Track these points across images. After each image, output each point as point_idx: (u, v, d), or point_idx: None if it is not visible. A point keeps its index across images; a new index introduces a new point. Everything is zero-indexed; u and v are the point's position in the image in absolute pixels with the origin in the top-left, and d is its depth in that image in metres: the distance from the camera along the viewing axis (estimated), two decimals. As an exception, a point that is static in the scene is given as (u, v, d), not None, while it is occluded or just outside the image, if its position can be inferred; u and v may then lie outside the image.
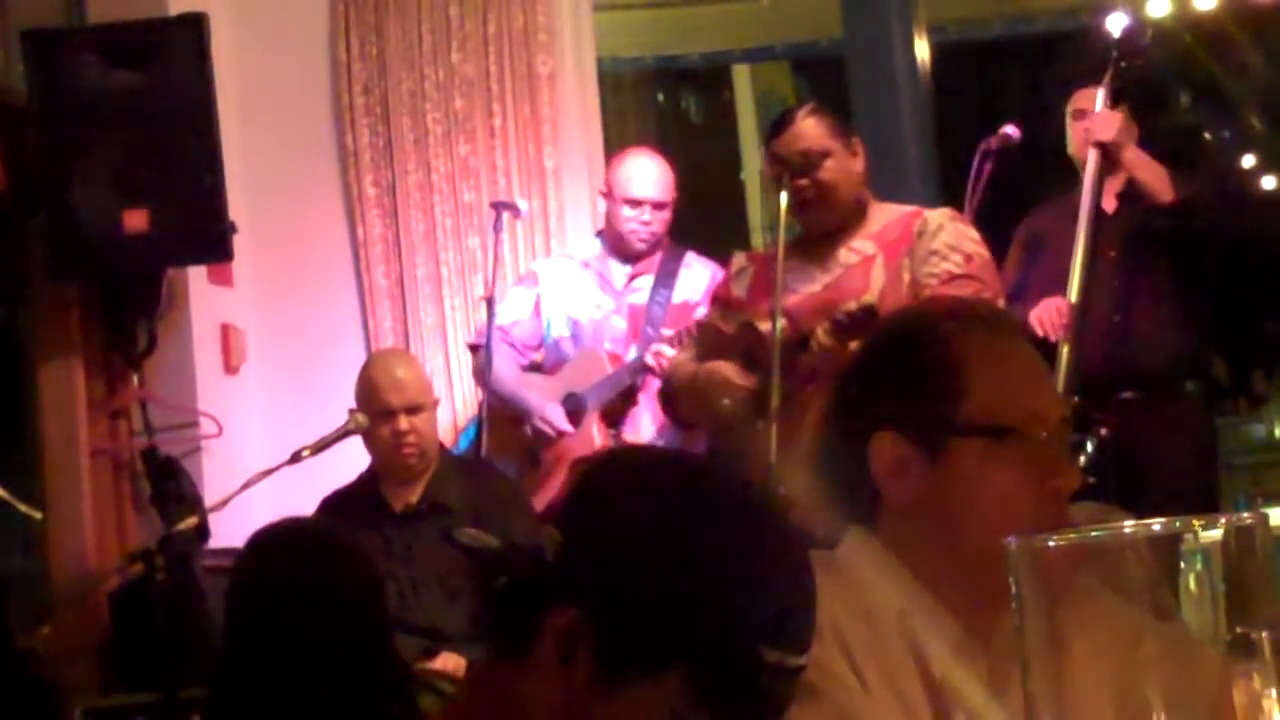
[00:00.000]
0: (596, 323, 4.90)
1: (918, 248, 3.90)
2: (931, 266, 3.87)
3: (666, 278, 4.90)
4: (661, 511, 1.38)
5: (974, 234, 3.98)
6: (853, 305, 3.70)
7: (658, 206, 4.86)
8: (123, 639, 4.68)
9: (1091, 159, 4.67)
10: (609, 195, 4.92)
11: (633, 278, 4.93)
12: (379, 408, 4.37)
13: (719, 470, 1.49)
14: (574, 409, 4.80)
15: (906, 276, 3.88)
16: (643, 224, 4.86)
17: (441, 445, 4.64)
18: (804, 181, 3.94)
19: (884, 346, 1.77)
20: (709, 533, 1.37)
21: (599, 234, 5.04)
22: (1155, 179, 4.65)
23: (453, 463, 4.52)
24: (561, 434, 4.78)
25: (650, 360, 4.61)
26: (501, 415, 4.85)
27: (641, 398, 4.81)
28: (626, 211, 4.85)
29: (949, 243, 3.89)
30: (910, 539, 1.66)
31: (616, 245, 4.94)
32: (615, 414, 4.81)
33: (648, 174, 4.89)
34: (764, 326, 3.83)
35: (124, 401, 5.05)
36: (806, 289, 3.97)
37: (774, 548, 1.40)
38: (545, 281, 5.01)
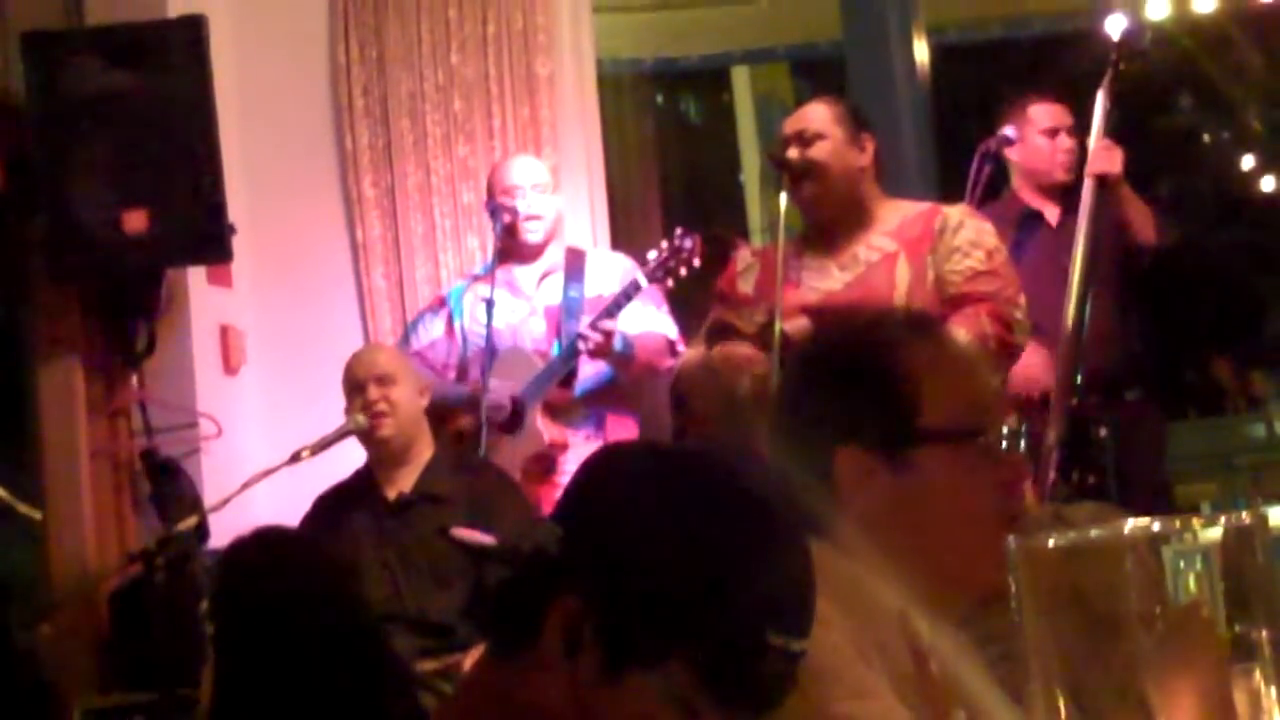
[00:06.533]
0: (514, 327, 4.91)
1: (940, 245, 3.92)
2: (955, 263, 3.90)
3: (575, 273, 4.93)
4: (663, 499, 1.39)
5: (991, 229, 4.02)
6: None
7: (537, 189, 4.89)
8: (122, 638, 4.69)
9: (1087, 190, 4.64)
10: (491, 198, 4.94)
11: (541, 279, 4.95)
12: (351, 385, 4.45)
13: (718, 457, 1.49)
14: (516, 409, 4.80)
15: (931, 274, 3.91)
16: (526, 207, 4.87)
17: (440, 438, 4.62)
18: (795, 155, 3.99)
19: (834, 366, 1.79)
20: (711, 518, 1.39)
21: (497, 252, 4.93)
22: (1142, 217, 4.67)
23: (449, 454, 4.53)
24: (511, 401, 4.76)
25: (581, 344, 4.65)
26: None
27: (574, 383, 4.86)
28: (507, 202, 4.87)
29: (971, 239, 3.92)
30: (875, 548, 1.67)
31: (512, 248, 4.93)
32: (556, 406, 4.82)
33: (520, 163, 4.98)
34: (787, 326, 3.79)
35: (124, 402, 5.05)
36: (826, 286, 3.97)
37: (774, 531, 1.41)
38: (455, 302, 5.03)
